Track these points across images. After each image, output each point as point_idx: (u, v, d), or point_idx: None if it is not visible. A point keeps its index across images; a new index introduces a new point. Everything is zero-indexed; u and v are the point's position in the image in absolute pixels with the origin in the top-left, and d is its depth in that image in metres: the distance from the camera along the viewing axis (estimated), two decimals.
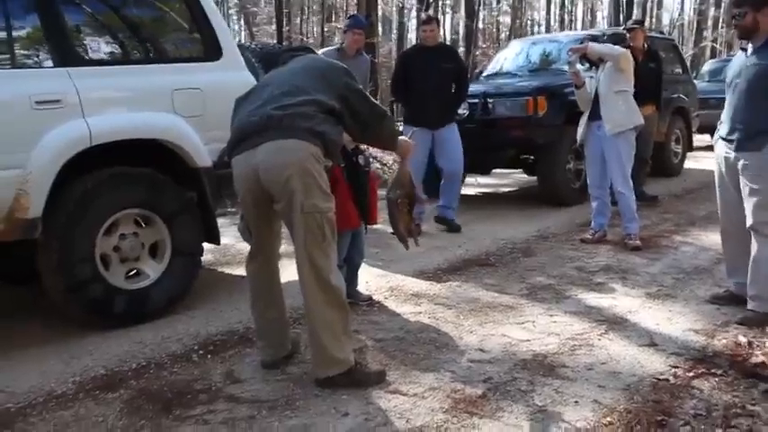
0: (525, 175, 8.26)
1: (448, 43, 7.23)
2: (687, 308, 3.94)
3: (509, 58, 8.91)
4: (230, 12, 27.64)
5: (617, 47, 5.56)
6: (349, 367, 2.90)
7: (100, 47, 3.95)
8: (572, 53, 5.54)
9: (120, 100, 3.82)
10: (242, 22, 23.34)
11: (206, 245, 4.19)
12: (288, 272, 3.37)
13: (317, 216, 2.80)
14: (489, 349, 3.36)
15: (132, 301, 3.78)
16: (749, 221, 3.65)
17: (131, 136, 3.77)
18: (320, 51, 6.11)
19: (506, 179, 9.32)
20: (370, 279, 4.56)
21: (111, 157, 3.71)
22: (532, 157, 7.30)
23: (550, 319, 3.78)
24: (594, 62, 5.51)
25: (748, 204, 3.64)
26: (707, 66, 15.63)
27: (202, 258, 4.21)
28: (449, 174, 6.13)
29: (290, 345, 3.26)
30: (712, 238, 5.48)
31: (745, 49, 3.75)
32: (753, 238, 3.67)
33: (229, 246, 5.32)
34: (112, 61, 4.04)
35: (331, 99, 2.93)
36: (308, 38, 25.24)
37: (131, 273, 3.88)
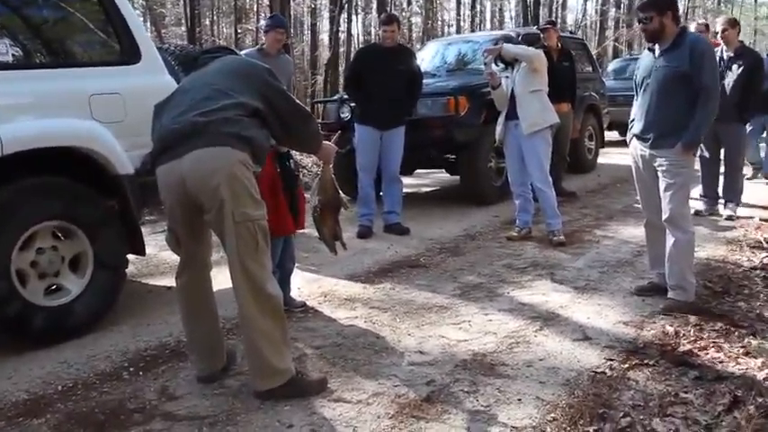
0: (446, 175, 8.32)
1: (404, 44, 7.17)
2: (614, 300, 4.05)
3: (426, 59, 8.95)
4: (136, 13, 26.78)
5: (530, 48, 5.67)
6: (290, 377, 2.82)
7: (10, 51, 3.71)
8: (487, 54, 5.61)
9: (33, 106, 3.60)
10: (148, 23, 22.52)
11: (129, 256, 4.01)
12: (218, 281, 3.26)
13: (250, 225, 2.70)
14: (429, 351, 3.36)
15: (53, 319, 3.57)
16: (665, 215, 3.82)
17: (46, 144, 3.56)
18: (242, 53, 5.98)
19: (426, 179, 9.38)
20: (302, 284, 4.49)
21: (28, 166, 3.50)
22: (454, 157, 7.36)
23: (486, 317, 3.81)
24: (509, 62, 5.58)
25: (665, 198, 3.80)
26: (612, 65, 16.24)
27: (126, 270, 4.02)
28: (385, 176, 6.13)
29: (226, 357, 3.15)
30: (631, 231, 5.68)
31: (652, 50, 3.89)
32: (668, 230, 3.83)
33: (152, 255, 5.14)
34: (24, 65, 3.80)
35: (254, 100, 2.82)
36: (219, 39, 24.69)
37: (51, 288, 3.67)
